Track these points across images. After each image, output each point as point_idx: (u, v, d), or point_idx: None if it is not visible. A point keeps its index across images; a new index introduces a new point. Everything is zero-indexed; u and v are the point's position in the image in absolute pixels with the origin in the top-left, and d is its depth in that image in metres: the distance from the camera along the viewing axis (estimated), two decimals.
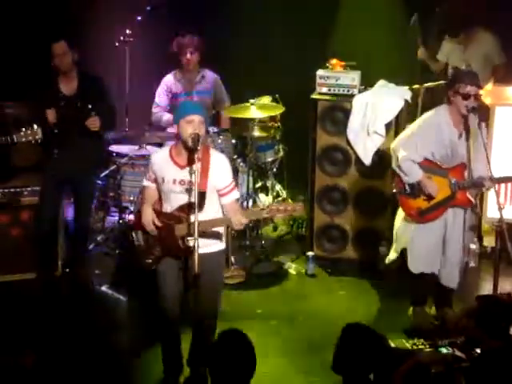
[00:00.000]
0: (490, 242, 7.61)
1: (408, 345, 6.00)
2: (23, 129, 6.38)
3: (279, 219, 8.44)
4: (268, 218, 5.82)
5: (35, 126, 6.35)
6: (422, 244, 6.40)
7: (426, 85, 8.00)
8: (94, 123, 6.96)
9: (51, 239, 7.41)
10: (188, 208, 5.40)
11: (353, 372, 4.22)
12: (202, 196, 5.38)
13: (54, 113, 6.92)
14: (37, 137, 6.37)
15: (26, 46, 8.38)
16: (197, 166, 5.29)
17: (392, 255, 6.69)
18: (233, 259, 7.63)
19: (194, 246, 5.14)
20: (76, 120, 6.96)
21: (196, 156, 5.31)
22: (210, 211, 5.51)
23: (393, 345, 5.85)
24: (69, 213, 7.79)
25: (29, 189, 7.41)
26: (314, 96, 7.82)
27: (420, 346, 5.92)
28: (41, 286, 7.28)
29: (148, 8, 8.32)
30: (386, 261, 6.82)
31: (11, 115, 7.40)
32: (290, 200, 8.45)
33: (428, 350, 5.71)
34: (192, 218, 5.25)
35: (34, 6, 8.78)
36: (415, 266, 6.43)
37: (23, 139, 6.40)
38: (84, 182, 7.29)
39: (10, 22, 8.49)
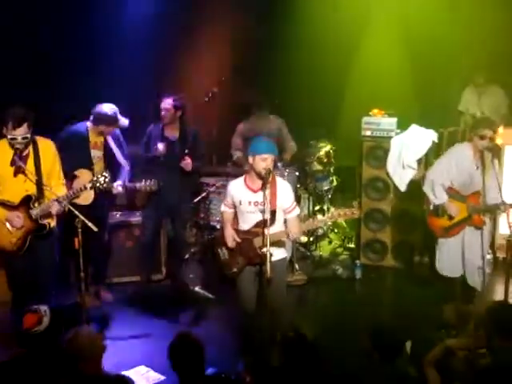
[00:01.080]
0: (501, 253, 7.48)
1: (437, 334, 5.93)
2: (143, 180, 6.60)
3: (333, 235, 8.44)
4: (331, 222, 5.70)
5: (153, 180, 6.52)
6: (445, 254, 6.36)
7: (449, 129, 7.94)
8: (186, 165, 6.99)
9: (154, 250, 7.49)
10: (263, 224, 5.38)
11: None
12: (272, 213, 5.42)
13: (163, 146, 7.00)
14: (153, 188, 6.54)
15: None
16: (267, 190, 5.31)
17: None
18: (297, 266, 7.64)
19: (267, 253, 5.17)
20: (175, 159, 7.03)
21: (267, 185, 5.35)
22: (278, 225, 5.54)
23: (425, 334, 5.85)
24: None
25: (139, 211, 7.55)
26: (360, 138, 7.85)
27: (447, 336, 5.85)
28: (146, 287, 7.36)
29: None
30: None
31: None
32: None
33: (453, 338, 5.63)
34: (266, 231, 5.26)
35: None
36: (441, 269, 6.39)
37: (143, 188, 6.60)
38: (182, 208, 7.28)
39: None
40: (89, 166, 6.70)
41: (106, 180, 5.93)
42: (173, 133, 7.13)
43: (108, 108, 6.73)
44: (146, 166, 7.11)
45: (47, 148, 5.85)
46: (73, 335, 4.28)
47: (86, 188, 5.92)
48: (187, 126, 7.19)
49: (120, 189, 6.68)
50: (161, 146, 6.99)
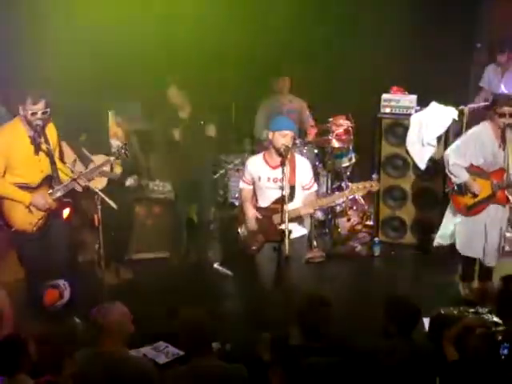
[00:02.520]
0: None
1: (455, 312, 5.88)
2: (158, 180, 6.65)
3: (352, 212, 8.38)
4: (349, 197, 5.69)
5: (167, 183, 6.50)
6: (468, 233, 6.28)
7: (469, 106, 7.83)
8: (211, 130, 7.19)
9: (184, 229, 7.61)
10: (282, 200, 5.37)
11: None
12: (291, 189, 5.38)
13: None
14: (166, 189, 6.53)
15: None
16: (286, 167, 5.30)
17: (438, 240, 6.59)
18: (315, 243, 7.61)
19: (286, 230, 5.16)
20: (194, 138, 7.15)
21: (286, 161, 5.31)
22: (297, 202, 5.51)
23: (443, 311, 5.81)
24: None
25: (161, 189, 7.57)
26: (379, 115, 7.77)
27: (465, 313, 5.80)
28: (165, 263, 7.43)
29: None
30: (434, 244, 6.71)
31: None
32: None
33: (472, 316, 5.57)
34: (285, 207, 5.26)
35: None
36: (463, 250, 6.31)
37: (155, 188, 6.76)
38: (206, 187, 7.47)
39: None
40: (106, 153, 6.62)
41: (127, 152, 5.94)
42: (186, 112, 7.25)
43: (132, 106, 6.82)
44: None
45: (52, 130, 5.87)
46: (106, 308, 4.28)
47: (109, 161, 5.96)
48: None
49: (133, 181, 6.64)
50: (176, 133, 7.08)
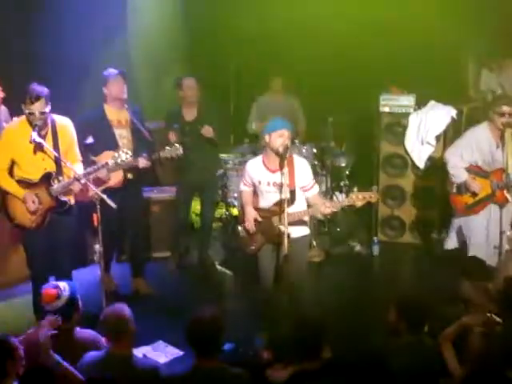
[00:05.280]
0: None
1: (455, 310, 5.91)
2: (167, 147, 6.30)
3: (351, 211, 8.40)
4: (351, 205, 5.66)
5: (177, 145, 6.36)
6: (469, 232, 6.30)
7: (468, 105, 7.86)
8: (207, 131, 6.93)
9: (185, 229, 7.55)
10: (281, 203, 5.36)
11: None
12: (292, 193, 5.40)
13: (174, 135, 6.89)
14: (178, 153, 6.34)
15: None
16: (285, 170, 5.27)
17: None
18: (314, 242, 7.62)
19: (285, 232, 5.17)
20: (198, 140, 6.97)
21: (285, 162, 5.31)
22: (299, 204, 5.51)
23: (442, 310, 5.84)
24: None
25: (158, 188, 7.55)
26: (378, 114, 7.80)
27: (464, 312, 5.83)
28: (176, 262, 7.43)
29: None
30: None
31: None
32: None
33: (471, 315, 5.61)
34: (284, 211, 5.23)
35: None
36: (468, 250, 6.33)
37: (167, 155, 6.31)
38: (209, 187, 7.36)
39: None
40: (114, 147, 6.31)
41: (128, 156, 5.81)
42: (191, 113, 7.07)
43: None
44: None
45: (65, 127, 5.84)
46: (118, 309, 4.29)
47: (107, 164, 5.84)
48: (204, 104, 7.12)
49: (145, 161, 6.41)
50: (172, 136, 6.86)
